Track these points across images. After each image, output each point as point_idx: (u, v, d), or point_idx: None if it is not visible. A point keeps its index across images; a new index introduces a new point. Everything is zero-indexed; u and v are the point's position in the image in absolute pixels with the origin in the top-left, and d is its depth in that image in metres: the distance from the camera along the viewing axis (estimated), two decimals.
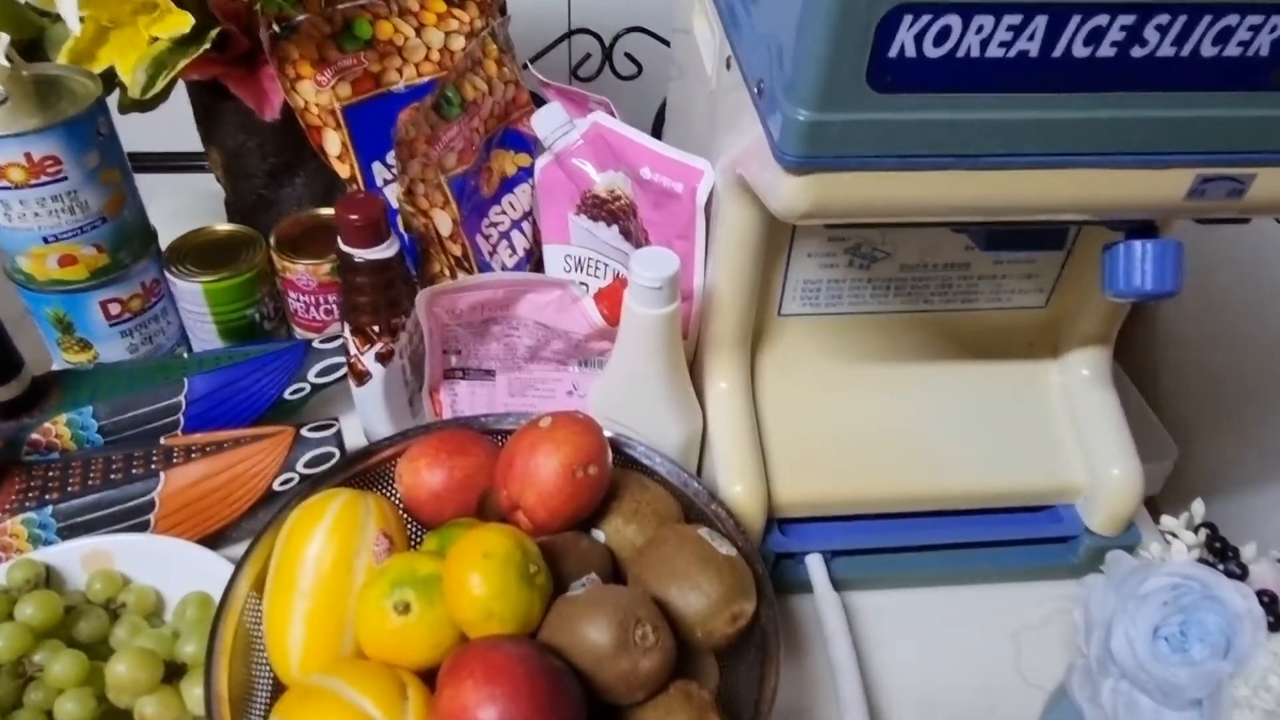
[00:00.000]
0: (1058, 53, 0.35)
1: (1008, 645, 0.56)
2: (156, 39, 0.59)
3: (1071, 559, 0.58)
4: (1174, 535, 0.47)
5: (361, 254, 0.54)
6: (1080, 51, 0.35)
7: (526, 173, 0.65)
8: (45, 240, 0.59)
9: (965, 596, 0.58)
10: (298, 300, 0.67)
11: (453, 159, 0.61)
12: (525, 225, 0.65)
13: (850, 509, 0.57)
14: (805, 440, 0.56)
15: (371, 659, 0.42)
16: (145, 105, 0.66)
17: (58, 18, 0.60)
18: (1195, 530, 0.46)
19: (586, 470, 0.47)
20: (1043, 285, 0.57)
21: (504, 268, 0.64)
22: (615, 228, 0.59)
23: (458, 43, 0.66)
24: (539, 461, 0.46)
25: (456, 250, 0.61)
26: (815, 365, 0.58)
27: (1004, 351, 0.59)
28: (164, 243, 0.67)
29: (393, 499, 0.52)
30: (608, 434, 0.52)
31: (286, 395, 0.62)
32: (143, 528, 0.55)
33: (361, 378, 0.58)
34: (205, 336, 0.67)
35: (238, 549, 0.55)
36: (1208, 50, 0.36)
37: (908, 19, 0.34)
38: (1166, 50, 0.35)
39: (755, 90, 0.41)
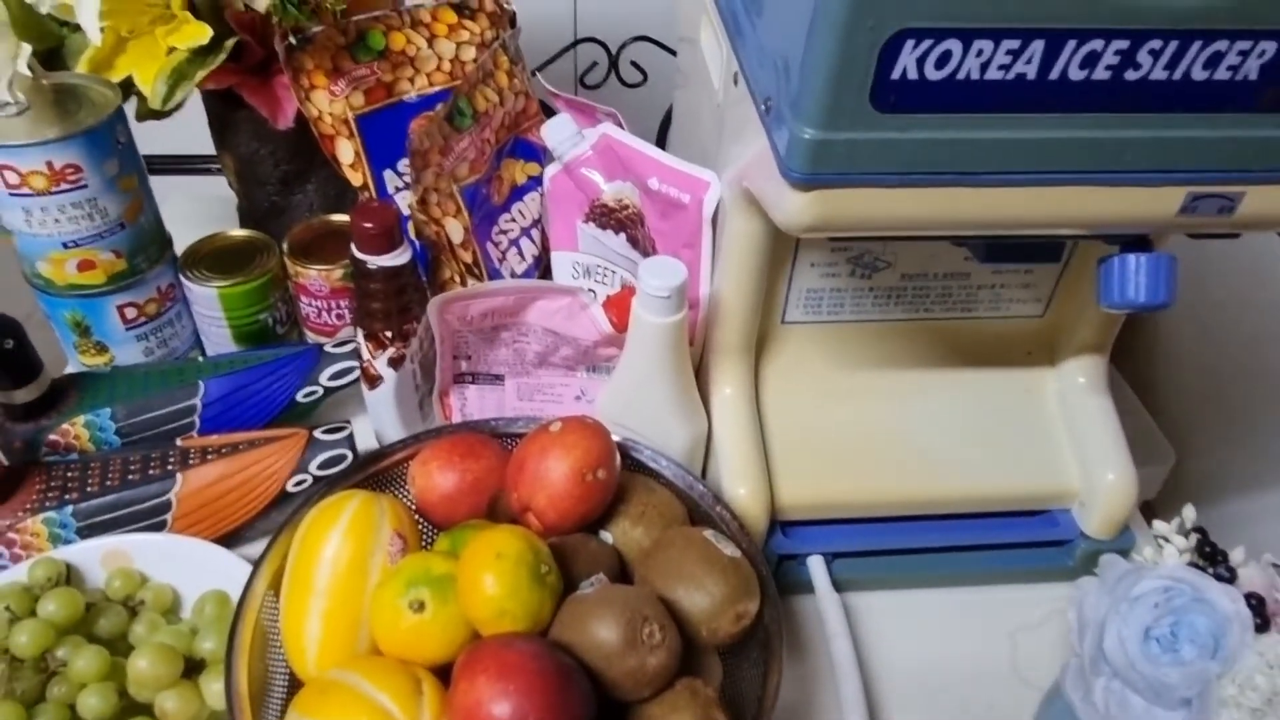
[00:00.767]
0: (1054, 75, 0.36)
1: (1005, 645, 0.58)
2: (174, 49, 0.61)
3: (1067, 562, 0.60)
4: (1166, 540, 0.48)
5: (375, 261, 0.56)
6: (1076, 74, 0.37)
7: (536, 181, 0.67)
8: (65, 246, 0.60)
9: (963, 598, 0.60)
10: (310, 305, 0.68)
11: (465, 169, 0.62)
12: (534, 233, 0.67)
13: (851, 512, 0.58)
14: (807, 445, 0.58)
15: (387, 656, 0.43)
16: (162, 114, 0.67)
17: (77, 28, 0.61)
18: (1186, 535, 0.48)
19: (596, 474, 0.48)
20: (1040, 295, 0.59)
21: (513, 274, 0.66)
22: (623, 236, 0.61)
23: (468, 53, 0.67)
24: (550, 465, 0.48)
25: (467, 257, 0.62)
26: (818, 372, 0.59)
27: (1002, 359, 0.61)
28: (179, 248, 0.68)
29: (405, 500, 0.53)
30: (615, 438, 0.54)
31: (299, 398, 0.63)
32: (160, 527, 0.56)
33: (374, 381, 0.59)
34: (219, 340, 0.68)
35: (252, 548, 0.56)
36: (1198, 74, 0.37)
37: (910, 43, 0.35)
38: (1159, 74, 0.37)
39: (763, 108, 0.42)
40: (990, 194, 0.40)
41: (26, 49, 0.60)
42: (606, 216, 0.61)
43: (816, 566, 0.58)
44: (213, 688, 0.48)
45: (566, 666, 0.40)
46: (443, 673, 0.42)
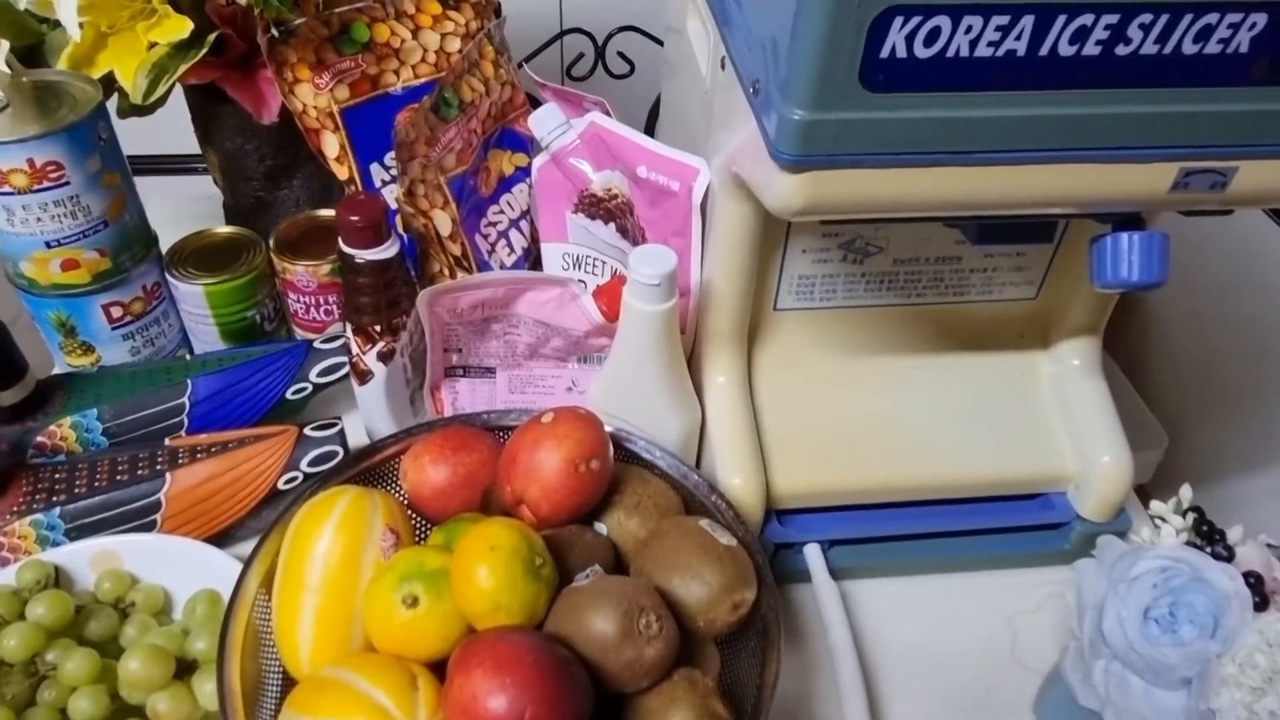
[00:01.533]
0: (1044, 51, 0.36)
1: (1004, 630, 0.57)
2: (155, 44, 0.60)
3: (1064, 545, 0.60)
4: (1163, 520, 0.48)
5: (363, 254, 0.55)
6: (1066, 50, 0.36)
7: (524, 172, 0.66)
8: (48, 245, 0.60)
9: (961, 583, 0.59)
10: (298, 301, 0.67)
11: (452, 160, 0.62)
12: (523, 224, 0.66)
13: (846, 499, 0.58)
14: (802, 432, 0.57)
15: (381, 652, 0.43)
16: (144, 110, 0.67)
17: (57, 24, 0.61)
18: (1183, 515, 0.47)
19: (589, 465, 0.47)
20: (1033, 277, 0.59)
21: (502, 266, 0.65)
22: (612, 225, 0.60)
23: (453, 44, 0.67)
24: (542, 457, 0.47)
25: (456, 250, 0.62)
26: (811, 359, 0.59)
27: (996, 343, 0.60)
28: (164, 246, 0.68)
29: (398, 495, 0.52)
30: (609, 429, 0.53)
31: (289, 395, 0.63)
32: (149, 528, 0.55)
33: (364, 377, 0.59)
34: (207, 338, 0.67)
35: (243, 547, 0.56)
36: (1189, 48, 0.37)
37: (898, 20, 0.35)
38: (1149, 48, 0.36)
39: (750, 90, 0.42)
40: (982, 173, 0.39)
41: (5, 45, 0.60)
42: (595, 206, 0.60)
43: (813, 554, 0.57)
44: (205, 688, 0.47)
45: (563, 659, 0.39)
46: (438, 668, 0.42)
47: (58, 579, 0.52)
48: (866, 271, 0.57)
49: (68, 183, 0.58)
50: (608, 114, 0.60)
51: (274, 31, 0.60)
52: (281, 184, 0.74)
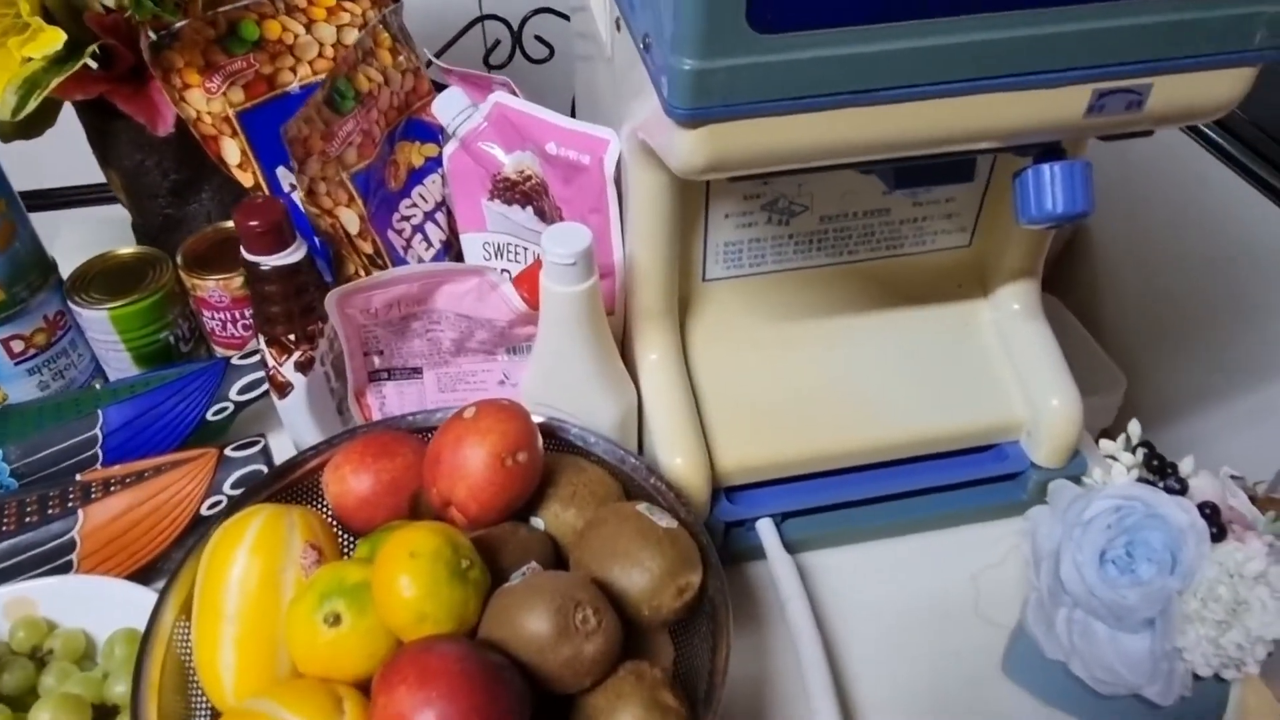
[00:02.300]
0: None
1: (967, 588, 0.56)
2: (31, 59, 0.57)
3: (1021, 495, 0.58)
4: (1113, 458, 0.46)
5: (267, 261, 0.52)
6: None
7: (435, 163, 0.63)
8: None
9: (920, 544, 0.58)
10: (213, 318, 0.64)
11: (353, 154, 0.59)
12: (439, 216, 0.63)
13: (796, 469, 0.56)
14: (743, 404, 0.55)
15: (307, 677, 0.40)
16: (29, 131, 0.63)
17: None
18: (1133, 450, 0.46)
19: (516, 458, 0.45)
20: (964, 224, 0.57)
21: (420, 261, 0.63)
22: (529, 209, 0.58)
23: (351, 36, 0.64)
24: (466, 454, 0.45)
25: (368, 248, 0.59)
26: (746, 328, 0.57)
27: (934, 295, 0.59)
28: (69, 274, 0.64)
29: (325, 511, 0.50)
30: (539, 419, 0.51)
31: (209, 417, 0.60)
32: (66, 569, 0.52)
33: (283, 389, 0.56)
34: (119, 365, 0.64)
35: None
36: None
37: None
38: None
39: (642, 46, 0.39)
40: (886, 113, 0.37)
41: None
42: (510, 190, 0.58)
43: (766, 529, 0.55)
44: None
45: (494, 665, 0.37)
46: (369, 689, 0.39)
47: None
48: (794, 232, 0.55)
49: None
50: (514, 93, 0.57)
51: (154, 36, 0.57)
52: (190, 199, 0.70)
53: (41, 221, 0.64)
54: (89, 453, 0.57)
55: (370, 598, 0.40)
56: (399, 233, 0.61)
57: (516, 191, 0.57)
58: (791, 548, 0.55)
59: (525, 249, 0.60)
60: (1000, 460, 0.58)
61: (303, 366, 0.55)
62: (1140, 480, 0.45)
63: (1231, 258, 0.79)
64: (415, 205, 0.62)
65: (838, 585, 0.56)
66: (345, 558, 0.48)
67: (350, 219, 0.58)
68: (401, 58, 0.63)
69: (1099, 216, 0.93)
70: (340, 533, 0.50)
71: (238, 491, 0.55)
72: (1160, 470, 0.45)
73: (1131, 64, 0.38)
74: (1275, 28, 0.38)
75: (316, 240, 0.60)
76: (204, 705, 0.44)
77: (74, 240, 0.75)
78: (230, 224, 0.67)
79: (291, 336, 0.55)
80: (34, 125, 0.62)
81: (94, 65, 0.59)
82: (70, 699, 0.44)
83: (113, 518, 0.53)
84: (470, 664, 0.36)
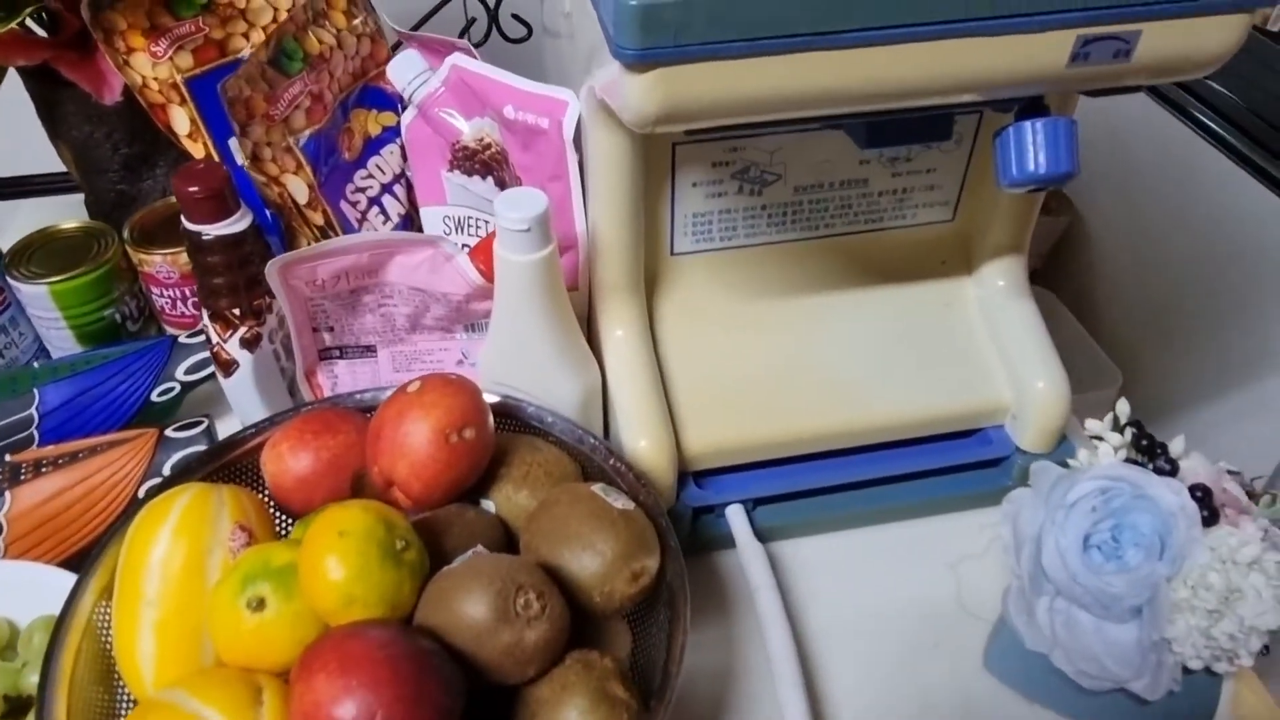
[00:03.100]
0: None
1: (948, 578, 0.53)
2: None
3: (1006, 481, 0.55)
4: (1099, 439, 0.44)
5: (209, 230, 0.50)
6: None
7: (393, 132, 0.61)
8: None
9: (899, 533, 0.55)
10: (162, 295, 0.61)
11: (301, 118, 0.56)
12: (398, 189, 0.60)
13: (769, 453, 0.53)
14: (713, 385, 0.52)
15: (229, 666, 0.37)
16: None
17: None
18: (1121, 430, 0.43)
19: (461, 434, 0.42)
20: (947, 197, 0.54)
21: None
22: (490, 180, 0.55)
23: None
24: (408, 430, 0.42)
25: (318, 219, 0.56)
26: (717, 305, 0.54)
27: (917, 272, 0.56)
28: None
29: (265, 494, 0.47)
30: (493, 398, 0.48)
31: (154, 397, 0.57)
32: None
33: (228, 367, 0.53)
34: (62, 344, 0.61)
35: None
36: None
37: None
38: None
39: None
40: (854, 56, 0.34)
41: None
42: (470, 160, 0.55)
43: (735, 516, 0.52)
44: None
45: (422, 652, 0.34)
46: None
47: None
48: (767, 204, 0.52)
49: None
50: (472, 56, 0.54)
51: None
52: (143, 174, 0.68)
53: None
54: (24, 433, 0.54)
55: (298, 581, 0.37)
56: (353, 204, 0.58)
57: (476, 161, 0.55)
58: (763, 536, 0.52)
59: (487, 222, 0.57)
60: (984, 445, 0.55)
61: (248, 343, 0.53)
62: (1128, 461, 0.42)
63: (1229, 252, 0.76)
64: (371, 176, 0.59)
65: (813, 576, 0.53)
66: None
67: (298, 187, 0.55)
68: (358, 21, 0.60)
69: (1093, 208, 0.91)
70: (279, 516, 0.47)
71: None
72: (1149, 450, 0.42)
73: (1118, 7, 0.35)
74: None
75: (268, 213, 0.57)
76: (128, 696, 0.41)
77: (29, 224, 0.72)
78: None
79: (236, 311, 0.52)
80: None
81: (38, 30, 0.57)
82: None
83: (43, 500, 0.50)
84: (396, 650, 0.33)
